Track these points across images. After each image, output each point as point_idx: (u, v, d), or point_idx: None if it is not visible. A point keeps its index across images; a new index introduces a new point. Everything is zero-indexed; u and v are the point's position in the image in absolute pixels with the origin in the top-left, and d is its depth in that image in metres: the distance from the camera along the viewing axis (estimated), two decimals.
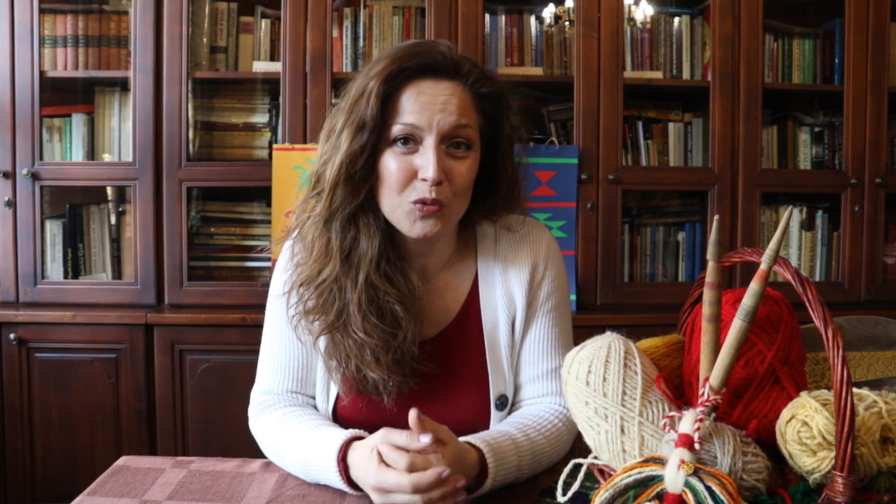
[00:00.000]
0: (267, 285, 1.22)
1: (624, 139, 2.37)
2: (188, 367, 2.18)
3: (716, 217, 0.77)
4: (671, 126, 2.45)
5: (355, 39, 2.35)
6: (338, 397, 1.13)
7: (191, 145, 2.31)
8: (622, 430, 0.73)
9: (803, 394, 0.70)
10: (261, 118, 2.38)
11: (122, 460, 1.12)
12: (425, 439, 0.90)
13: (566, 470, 0.80)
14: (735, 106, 2.33)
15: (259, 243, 2.35)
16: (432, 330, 1.14)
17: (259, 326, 1.21)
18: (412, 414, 0.91)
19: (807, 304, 0.68)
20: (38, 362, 2.19)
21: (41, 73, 2.24)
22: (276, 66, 2.30)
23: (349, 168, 1.03)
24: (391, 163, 1.04)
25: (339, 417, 1.13)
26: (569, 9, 2.39)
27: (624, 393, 0.74)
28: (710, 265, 0.75)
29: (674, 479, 0.65)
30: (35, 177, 2.25)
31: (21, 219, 2.26)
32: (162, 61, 2.24)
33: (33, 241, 2.26)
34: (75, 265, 2.34)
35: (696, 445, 0.67)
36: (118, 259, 2.39)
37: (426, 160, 1.02)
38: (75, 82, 2.36)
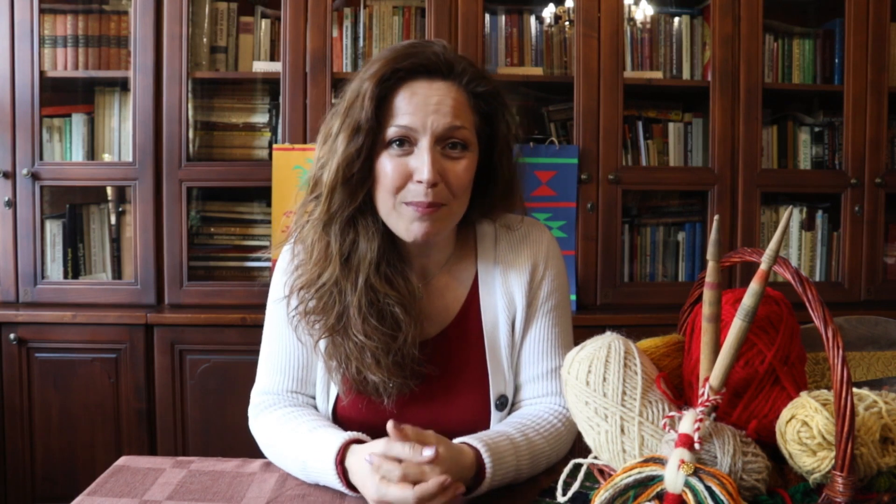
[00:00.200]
0: (267, 285, 1.22)
1: (624, 139, 2.37)
2: (188, 367, 2.18)
3: (716, 217, 0.77)
4: (671, 126, 2.45)
5: (355, 39, 2.35)
6: (338, 397, 1.13)
7: (191, 145, 2.31)
8: (622, 430, 0.73)
9: (803, 394, 0.70)
10: (261, 118, 2.38)
11: (122, 460, 1.12)
12: (428, 453, 0.89)
13: (566, 470, 0.80)
14: (735, 106, 2.33)
15: (259, 243, 2.35)
16: (432, 330, 1.14)
17: (259, 326, 1.21)
18: (389, 425, 0.90)
19: (807, 304, 0.68)
20: (38, 362, 2.19)
21: (41, 73, 2.24)
22: (276, 66, 2.30)
23: (346, 171, 1.03)
24: (387, 165, 1.04)
25: (339, 417, 1.13)
26: (569, 9, 2.39)
27: (624, 393, 0.74)
28: (710, 265, 0.74)
29: (674, 479, 0.65)
30: (35, 177, 2.25)
31: (21, 219, 2.26)
32: (162, 61, 2.24)
33: (33, 241, 2.26)
34: (75, 265, 2.34)
35: (696, 445, 0.67)
36: (118, 259, 2.39)
37: (421, 162, 1.02)
38: (75, 82, 2.36)
